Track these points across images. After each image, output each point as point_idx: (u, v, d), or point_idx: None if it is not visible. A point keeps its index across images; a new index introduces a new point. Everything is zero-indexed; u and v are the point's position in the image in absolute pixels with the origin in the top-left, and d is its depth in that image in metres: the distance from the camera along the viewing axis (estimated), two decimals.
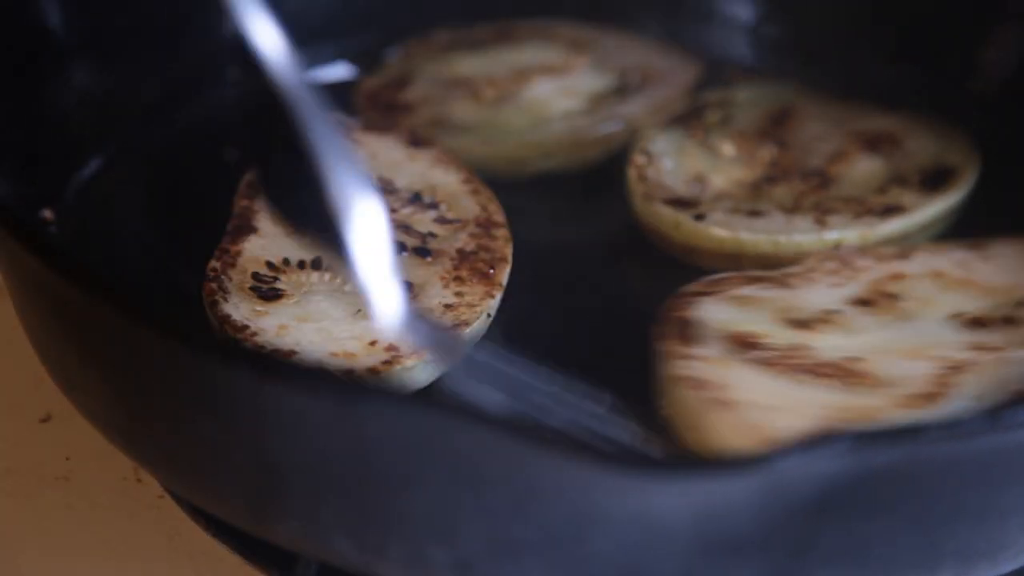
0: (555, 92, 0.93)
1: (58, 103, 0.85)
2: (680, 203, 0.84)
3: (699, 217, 0.82)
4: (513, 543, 0.56)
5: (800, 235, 0.81)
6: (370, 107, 0.92)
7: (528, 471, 0.53)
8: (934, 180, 0.85)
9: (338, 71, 0.97)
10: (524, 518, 0.55)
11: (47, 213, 0.81)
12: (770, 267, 0.80)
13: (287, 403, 0.56)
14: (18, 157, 0.79)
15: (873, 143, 0.89)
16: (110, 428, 0.66)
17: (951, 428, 0.54)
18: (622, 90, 0.94)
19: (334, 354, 0.71)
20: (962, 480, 0.56)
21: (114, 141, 0.88)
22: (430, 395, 0.73)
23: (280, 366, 0.58)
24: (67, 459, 0.77)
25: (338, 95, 0.91)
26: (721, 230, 0.81)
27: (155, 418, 0.62)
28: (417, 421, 0.53)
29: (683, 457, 0.65)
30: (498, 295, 0.77)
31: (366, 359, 0.71)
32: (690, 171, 0.87)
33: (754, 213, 0.83)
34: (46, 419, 0.79)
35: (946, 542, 0.58)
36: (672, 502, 0.53)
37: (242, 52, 0.94)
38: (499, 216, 0.82)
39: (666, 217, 0.83)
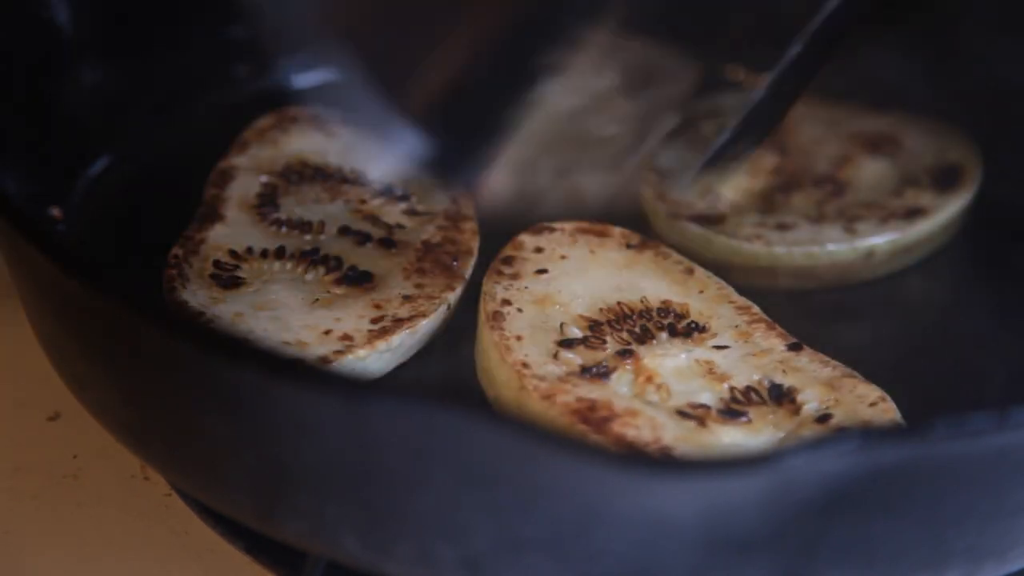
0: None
1: (66, 102, 0.85)
2: (706, 220, 0.83)
3: (731, 233, 0.82)
4: (521, 541, 0.56)
5: (833, 244, 0.81)
6: None
7: (536, 469, 0.53)
8: (945, 179, 0.85)
9: (312, 77, 0.97)
10: (532, 516, 0.55)
11: (55, 211, 0.81)
12: (804, 278, 0.81)
13: (295, 402, 0.56)
14: (26, 155, 0.79)
15: (873, 145, 0.89)
16: (118, 426, 0.67)
17: (958, 427, 0.54)
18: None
19: (286, 342, 0.72)
20: (970, 479, 0.56)
21: (122, 140, 0.88)
22: (430, 391, 0.73)
23: (288, 365, 0.58)
24: (75, 457, 0.77)
25: (317, 101, 0.91)
26: (756, 246, 0.81)
27: (163, 416, 0.62)
28: (425, 420, 0.53)
29: (691, 456, 0.65)
30: (459, 287, 0.77)
31: (318, 348, 0.72)
32: (700, 185, 0.86)
33: (783, 226, 0.82)
34: (54, 417, 0.79)
35: (954, 541, 0.58)
36: (679, 500, 0.53)
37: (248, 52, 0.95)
38: (469, 209, 0.83)
39: (696, 235, 0.82)
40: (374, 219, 0.81)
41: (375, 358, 0.73)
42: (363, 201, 0.82)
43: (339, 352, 0.72)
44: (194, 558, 0.72)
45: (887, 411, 0.70)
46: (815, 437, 0.53)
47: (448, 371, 0.76)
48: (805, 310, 0.80)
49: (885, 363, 0.74)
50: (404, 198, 0.83)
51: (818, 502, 0.53)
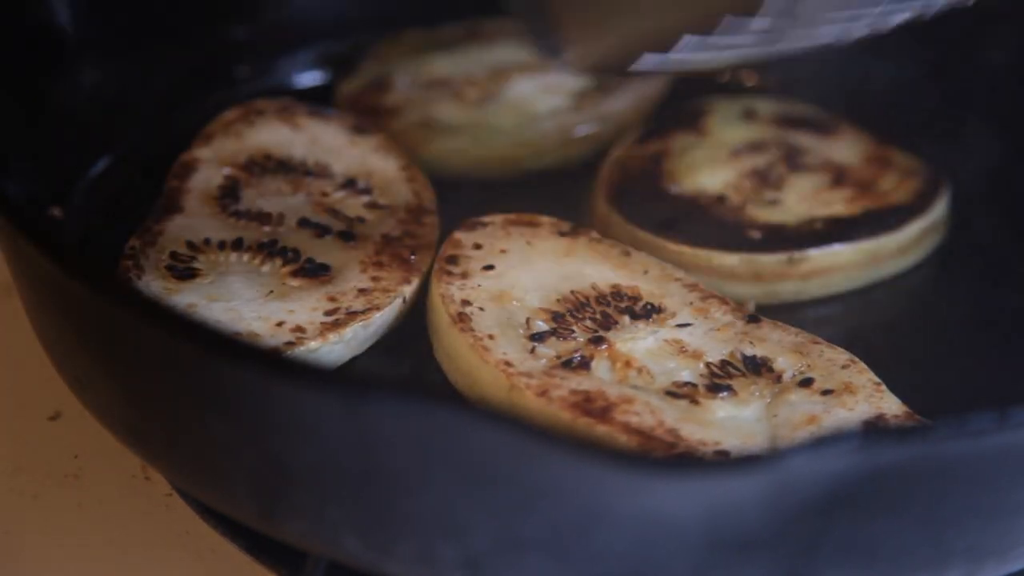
0: (537, 90, 0.93)
1: (67, 103, 0.85)
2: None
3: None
4: (521, 541, 0.56)
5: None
6: (353, 112, 0.92)
7: (537, 469, 0.53)
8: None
9: (312, 77, 0.97)
10: (533, 516, 0.55)
11: (56, 211, 0.81)
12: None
13: (295, 402, 0.56)
14: (27, 156, 0.79)
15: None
16: (119, 426, 0.67)
17: (959, 427, 0.54)
18: (603, 87, 0.94)
19: (237, 334, 0.72)
20: (971, 479, 0.56)
21: (123, 140, 0.88)
22: (434, 391, 0.73)
23: (289, 365, 0.58)
24: (76, 457, 0.77)
25: (317, 101, 0.91)
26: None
27: (163, 416, 0.62)
28: (425, 420, 0.53)
29: (691, 457, 0.65)
30: (416, 281, 0.77)
31: (270, 339, 0.72)
32: None
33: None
34: (55, 417, 0.79)
35: (955, 540, 0.58)
36: (681, 501, 0.53)
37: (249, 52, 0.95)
38: (431, 203, 0.83)
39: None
40: (335, 212, 0.81)
41: (327, 350, 0.73)
42: (325, 194, 0.83)
43: (290, 344, 0.72)
44: (195, 558, 0.72)
45: (861, 371, 0.72)
46: (815, 437, 0.53)
47: (404, 363, 0.77)
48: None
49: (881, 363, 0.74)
50: (367, 191, 0.83)
51: (819, 502, 0.53)
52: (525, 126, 0.91)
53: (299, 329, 0.73)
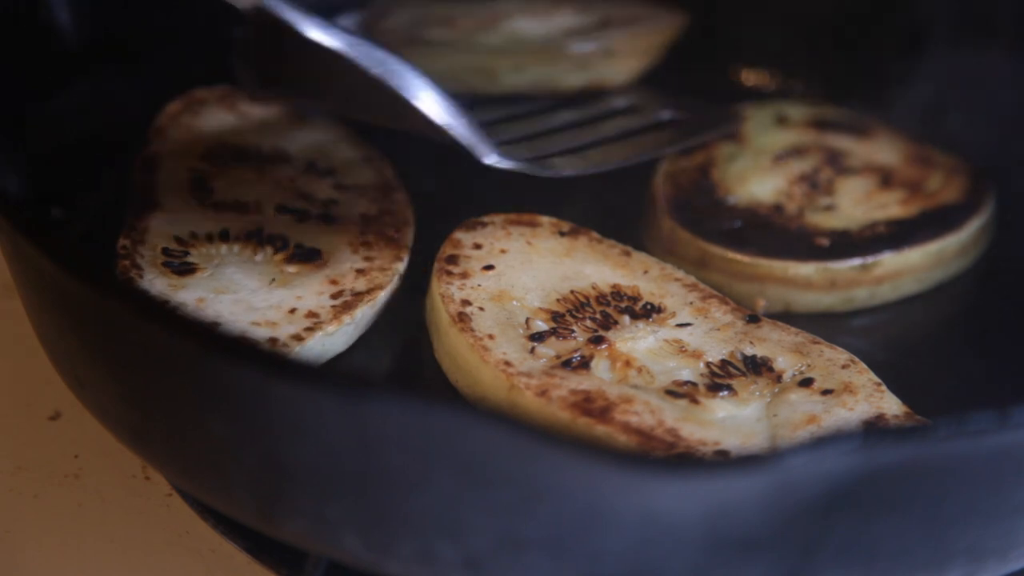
0: (534, 24, 0.93)
1: (68, 103, 0.85)
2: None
3: None
4: (522, 541, 0.56)
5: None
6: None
7: (537, 469, 0.53)
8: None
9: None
10: (533, 516, 0.55)
11: (56, 211, 0.81)
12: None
13: (295, 401, 0.56)
14: (28, 156, 0.79)
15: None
16: (119, 426, 0.67)
17: (960, 427, 0.54)
18: (603, 25, 0.94)
19: (256, 323, 0.72)
20: (972, 478, 0.56)
21: (122, 140, 0.88)
22: (434, 390, 0.74)
23: (289, 365, 0.57)
24: (76, 457, 0.77)
25: None
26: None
27: (163, 416, 0.62)
28: (425, 420, 0.53)
29: (691, 457, 0.65)
30: (406, 257, 0.78)
31: (288, 327, 0.72)
32: None
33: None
34: (55, 417, 0.79)
35: (956, 540, 0.58)
36: (681, 500, 0.53)
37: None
38: (395, 180, 0.84)
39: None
40: (307, 196, 0.82)
41: (341, 333, 0.74)
42: (292, 179, 0.83)
43: (309, 329, 0.72)
44: (195, 558, 0.72)
45: (861, 371, 0.72)
46: (815, 437, 0.53)
47: (404, 363, 0.77)
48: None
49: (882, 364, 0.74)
50: (329, 173, 0.84)
51: (819, 502, 0.53)
52: (510, 44, 0.90)
53: (312, 315, 0.73)
